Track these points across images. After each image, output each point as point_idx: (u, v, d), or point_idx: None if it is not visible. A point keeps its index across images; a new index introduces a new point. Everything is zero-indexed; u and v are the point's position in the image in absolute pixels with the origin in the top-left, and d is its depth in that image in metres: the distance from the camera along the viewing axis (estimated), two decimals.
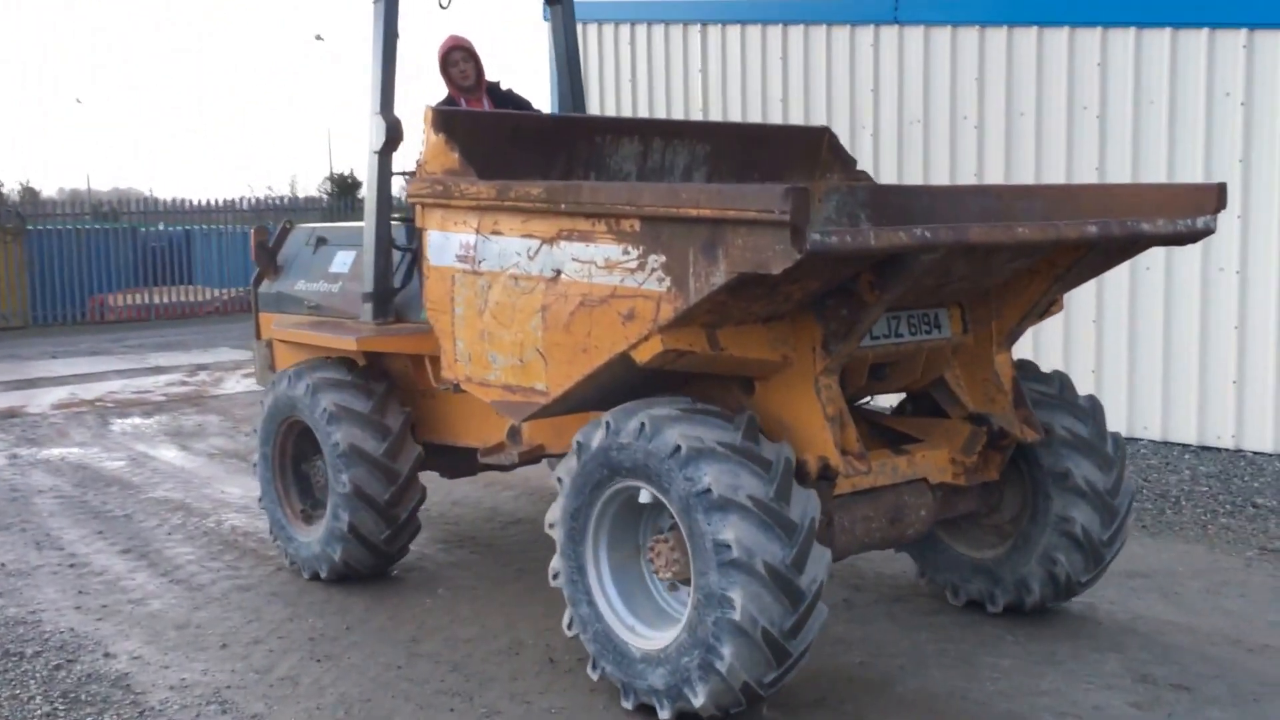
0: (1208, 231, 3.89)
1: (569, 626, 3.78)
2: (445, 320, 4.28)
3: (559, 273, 3.72)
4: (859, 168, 5.21)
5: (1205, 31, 6.86)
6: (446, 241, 4.21)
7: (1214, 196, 3.91)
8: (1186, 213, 3.89)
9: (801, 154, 5.12)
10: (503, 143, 4.43)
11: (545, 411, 3.98)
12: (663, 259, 3.35)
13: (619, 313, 3.51)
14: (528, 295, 3.86)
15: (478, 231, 4.06)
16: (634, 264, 3.44)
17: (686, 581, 3.47)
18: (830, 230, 3.07)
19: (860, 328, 3.48)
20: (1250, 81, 6.72)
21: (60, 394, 11.35)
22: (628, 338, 3.50)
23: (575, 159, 4.57)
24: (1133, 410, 7.32)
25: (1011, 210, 4.39)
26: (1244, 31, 6.70)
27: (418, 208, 4.35)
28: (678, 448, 3.33)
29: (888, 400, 4.61)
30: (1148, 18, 7.14)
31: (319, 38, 54.76)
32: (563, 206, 3.65)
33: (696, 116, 9.37)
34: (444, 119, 4.30)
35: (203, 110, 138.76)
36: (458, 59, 5.45)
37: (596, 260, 3.57)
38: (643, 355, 3.47)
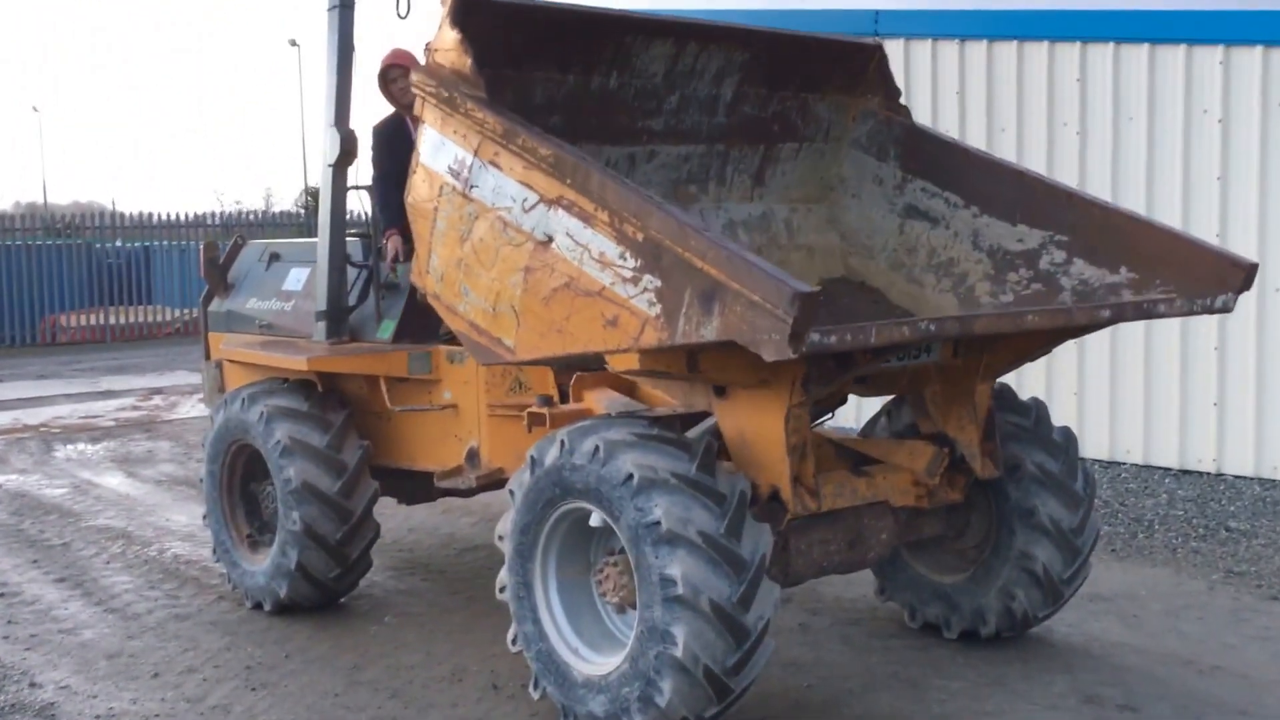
0: (1225, 310, 3.81)
1: (513, 642, 3.89)
2: (425, 226, 4.11)
3: (551, 240, 3.61)
4: (902, 100, 5.09)
5: (1183, 48, 7.11)
6: (442, 145, 4.00)
7: (1241, 276, 3.79)
8: (1208, 286, 3.80)
9: (845, 70, 4.98)
10: (524, 38, 4.18)
11: (508, 364, 4.04)
12: (658, 284, 3.28)
13: (603, 314, 3.45)
14: (514, 248, 3.74)
15: (476, 154, 3.86)
16: (629, 273, 3.37)
17: (634, 605, 3.56)
18: (829, 329, 3.07)
19: (844, 378, 3.58)
20: (1227, 98, 6.96)
21: (2, 419, 11.44)
22: (606, 343, 3.48)
23: (599, 57, 4.32)
24: (1115, 434, 7.50)
25: (1042, 208, 4.35)
26: (1220, 48, 6.95)
27: (419, 98, 4.08)
28: (630, 476, 3.40)
29: (870, 405, 4.71)
30: (1126, 33, 7.39)
31: (293, 43, 54.80)
32: (568, 181, 3.54)
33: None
34: (464, 11, 3.89)
35: (175, 122, 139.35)
36: (396, 76, 5.37)
37: (591, 248, 3.47)
38: (618, 365, 3.51)
